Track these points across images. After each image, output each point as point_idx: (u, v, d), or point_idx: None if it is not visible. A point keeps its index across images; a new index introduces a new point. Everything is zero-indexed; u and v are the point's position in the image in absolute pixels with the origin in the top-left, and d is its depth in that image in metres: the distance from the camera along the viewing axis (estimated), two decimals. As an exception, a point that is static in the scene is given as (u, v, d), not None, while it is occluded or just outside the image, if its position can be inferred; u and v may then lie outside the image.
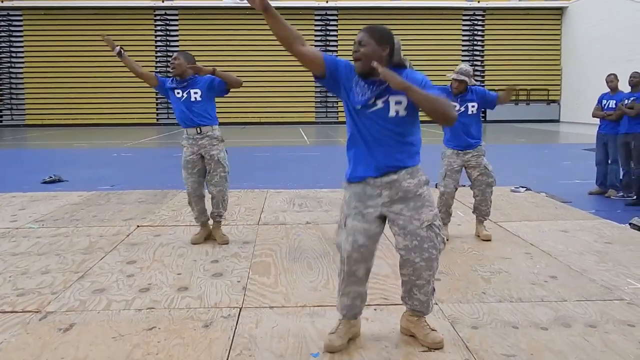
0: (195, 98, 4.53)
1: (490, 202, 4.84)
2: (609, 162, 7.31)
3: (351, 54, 2.55)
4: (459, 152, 4.70)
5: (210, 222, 4.79)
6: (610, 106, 7.28)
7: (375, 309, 3.18)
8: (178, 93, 4.55)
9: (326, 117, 27.23)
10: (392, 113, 2.53)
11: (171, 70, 4.53)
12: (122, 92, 26.03)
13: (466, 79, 4.56)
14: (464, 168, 4.79)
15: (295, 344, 2.75)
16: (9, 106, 26.42)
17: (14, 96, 26.40)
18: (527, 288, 3.53)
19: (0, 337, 2.83)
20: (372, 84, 2.53)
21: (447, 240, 4.56)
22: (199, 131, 4.56)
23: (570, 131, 20.99)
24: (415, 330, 2.76)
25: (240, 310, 3.18)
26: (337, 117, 27.10)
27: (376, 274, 3.76)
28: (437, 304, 3.25)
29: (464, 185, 5.76)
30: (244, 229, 5.16)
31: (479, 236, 4.80)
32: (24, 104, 26.36)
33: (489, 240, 4.70)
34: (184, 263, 4.11)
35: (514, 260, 4.13)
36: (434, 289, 2.77)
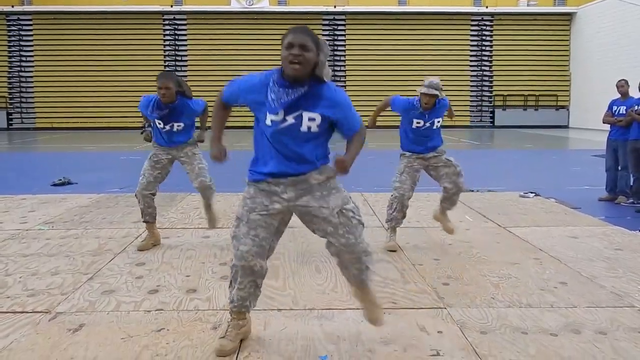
0: (178, 129, 4.48)
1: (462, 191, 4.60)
2: (619, 168, 7.26)
3: (289, 55, 2.40)
4: (419, 155, 4.55)
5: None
6: (620, 112, 7.24)
7: (384, 313, 3.16)
8: (159, 124, 4.43)
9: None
10: (304, 128, 2.49)
11: (162, 99, 4.29)
12: (130, 95, 26.15)
13: (437, 92, 4.32)
14: (424, 170, 4.59)
15: (304, 346, 2.76)
16: (19, 109, 26.62)
17: (23, 99, 26.60)
18: (536, 294, 3.51)
19: (10, 337, 2.86)
20: (290, 89, 2.44)
21: (395, 251, 4.48)
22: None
23: (579, 137, 20.87)
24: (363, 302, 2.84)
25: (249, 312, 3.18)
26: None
27: (385, 278, 3.76)
28: (445, 308, 3.25)
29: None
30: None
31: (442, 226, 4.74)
32: (33, 107, 26.55)
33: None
34: (192, 265, 4.12)
35: (523, 266, 4.11)
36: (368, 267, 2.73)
